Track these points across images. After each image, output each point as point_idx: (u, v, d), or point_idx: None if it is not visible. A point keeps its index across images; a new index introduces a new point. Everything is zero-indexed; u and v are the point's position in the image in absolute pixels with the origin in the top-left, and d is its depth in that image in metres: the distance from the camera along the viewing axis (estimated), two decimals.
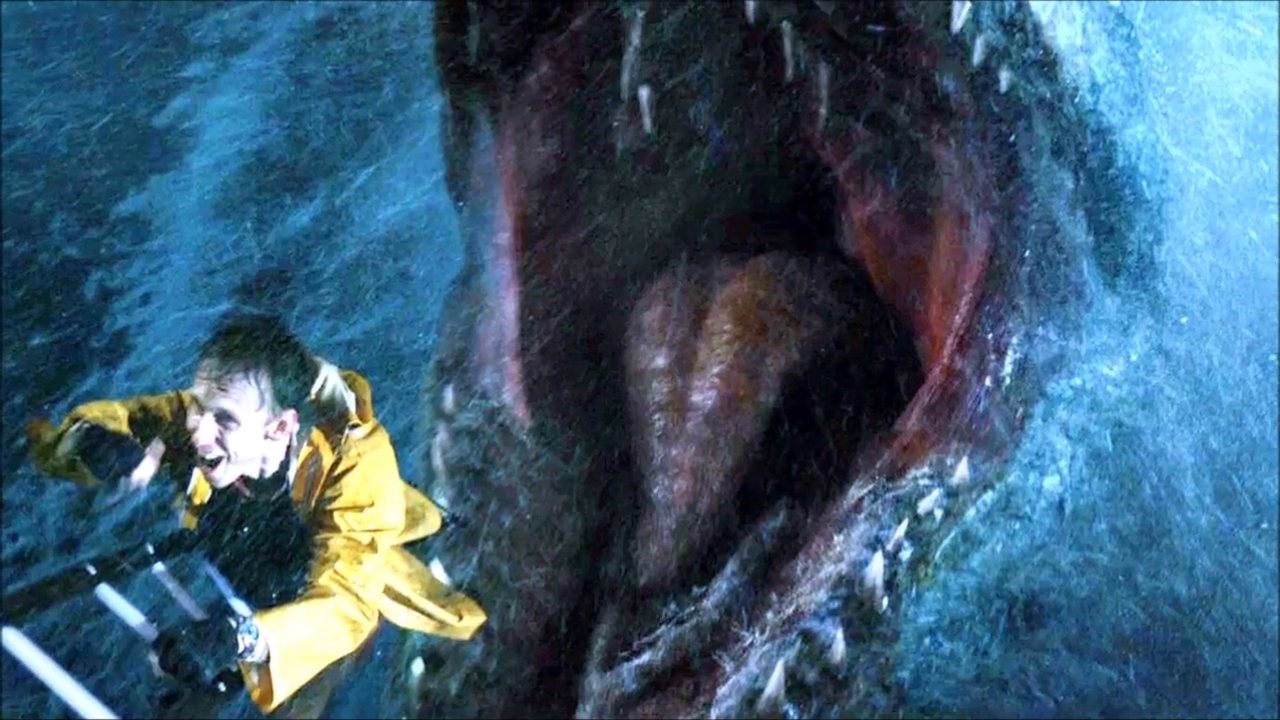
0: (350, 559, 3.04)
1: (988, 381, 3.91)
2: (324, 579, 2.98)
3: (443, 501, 4.00)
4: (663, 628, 3.88)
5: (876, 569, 3.65)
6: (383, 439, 3.31)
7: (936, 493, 3.82)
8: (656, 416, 4.41)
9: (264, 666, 2.74)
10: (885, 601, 3.66)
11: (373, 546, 3.12)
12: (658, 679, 3.74)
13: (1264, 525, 4.32)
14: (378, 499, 3.18)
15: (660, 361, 4.50)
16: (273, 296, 7.29)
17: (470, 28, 4.08)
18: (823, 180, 4.76)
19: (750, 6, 3.89)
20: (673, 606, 3.99)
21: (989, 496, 3.86)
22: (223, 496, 3.21)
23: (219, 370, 2.94)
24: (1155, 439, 4.20)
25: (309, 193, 7.93)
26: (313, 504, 3.20)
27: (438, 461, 4.22)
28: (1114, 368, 4.11)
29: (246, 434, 2.99)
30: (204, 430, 2.95)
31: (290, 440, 3.13)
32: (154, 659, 2.57)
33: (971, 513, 3.83)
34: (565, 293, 4.66)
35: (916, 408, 4.02)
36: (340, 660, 3.13)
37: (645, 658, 3.78)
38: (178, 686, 2.71)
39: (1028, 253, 3.92)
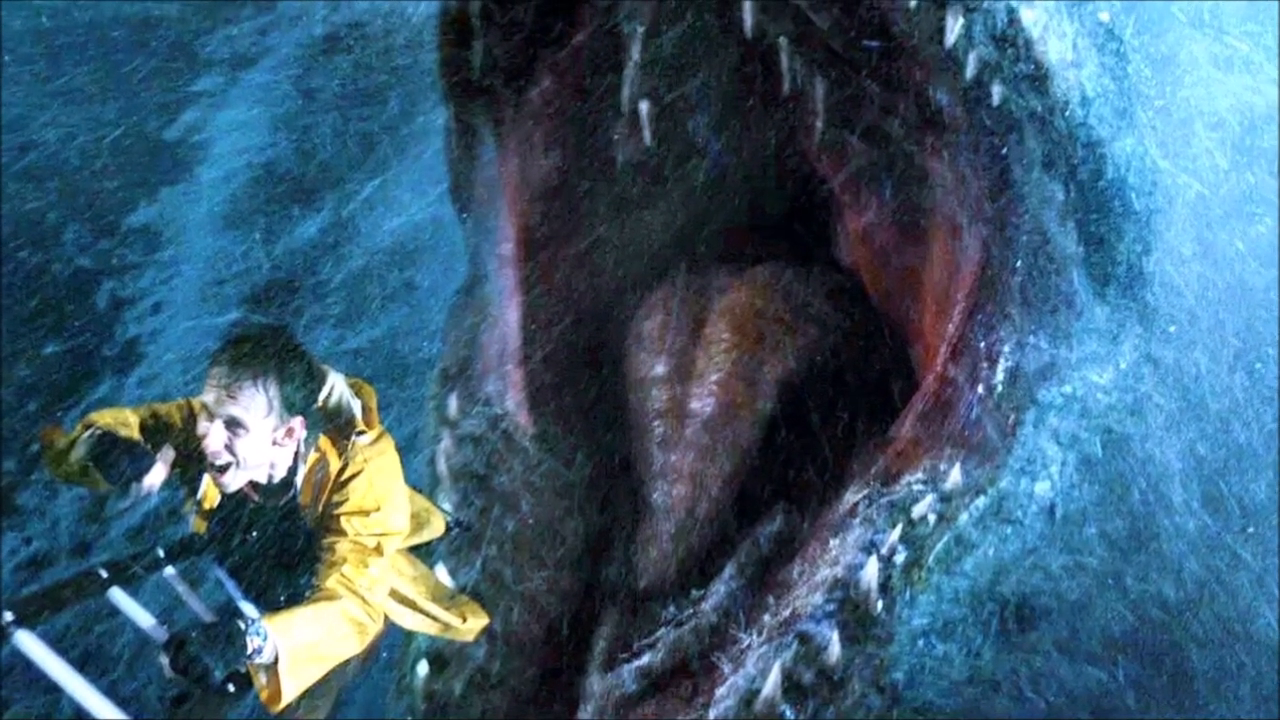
0: (357, 562, 3.08)
1: (980, 389, 3.94)
2: (331, 582, 3.02)
3: (447, 506, 4.03)
4: (662, 630, 3.91)
5: (871, 572, 3.68)
6: (388, 445, 3.35)
7: (930, 498, 3.85)
8: (656, 423, 4.44)
9: (272, 668, 2.78)
10: (880, 604, 3.70)
11: (379, 550, 3.15)
12: (657, 680, 3.77)
13: (1250, 530, 4.32)
14: (383, 504, 3.22)
15: (660, 369, 4.53)
16: (281, 306, 7.28)
17: (474, 43, 4.09)
18: (819, 192, 4.76)
19: (748, 22, 3.91)
20: (672, 609, 4.02)
21: (981, 501, 3.89)
22: (232, 501, 3.25)
23: (228, 378, 2.99)
24: (1144, 445, 4.21)
25: (316, 204, 7.92)
26: (320, 509, 3.24)
27: (442, 467, 4.25)
28: (1104, 375, 4.13)
29: (255, 440, 3.04)
30: (214, 437, 3.01)
31: (298, 446, 3.17)
32: (165, 660, 2.60)
33: (964, 517, 3.87)
34: (567, 302, 4.67)
35: (910, 414, 4.05)
36: (347, 661, 3.17)
37: (645, 659, 3.81)
38: (188, 687, 2.79)
39: (1019, 263, 3.94)
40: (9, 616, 2.73)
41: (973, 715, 3.91)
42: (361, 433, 3.30)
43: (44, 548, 6.15)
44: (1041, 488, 4.01)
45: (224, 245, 7.91)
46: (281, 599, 3.27)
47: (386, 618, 3.35)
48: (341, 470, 3.25)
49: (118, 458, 2.92)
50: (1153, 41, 4.43)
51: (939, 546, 3.83)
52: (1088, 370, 4.10)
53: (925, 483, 3.90)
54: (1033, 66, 3.68)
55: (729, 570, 4.05)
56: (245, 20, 9.24)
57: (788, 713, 3.52)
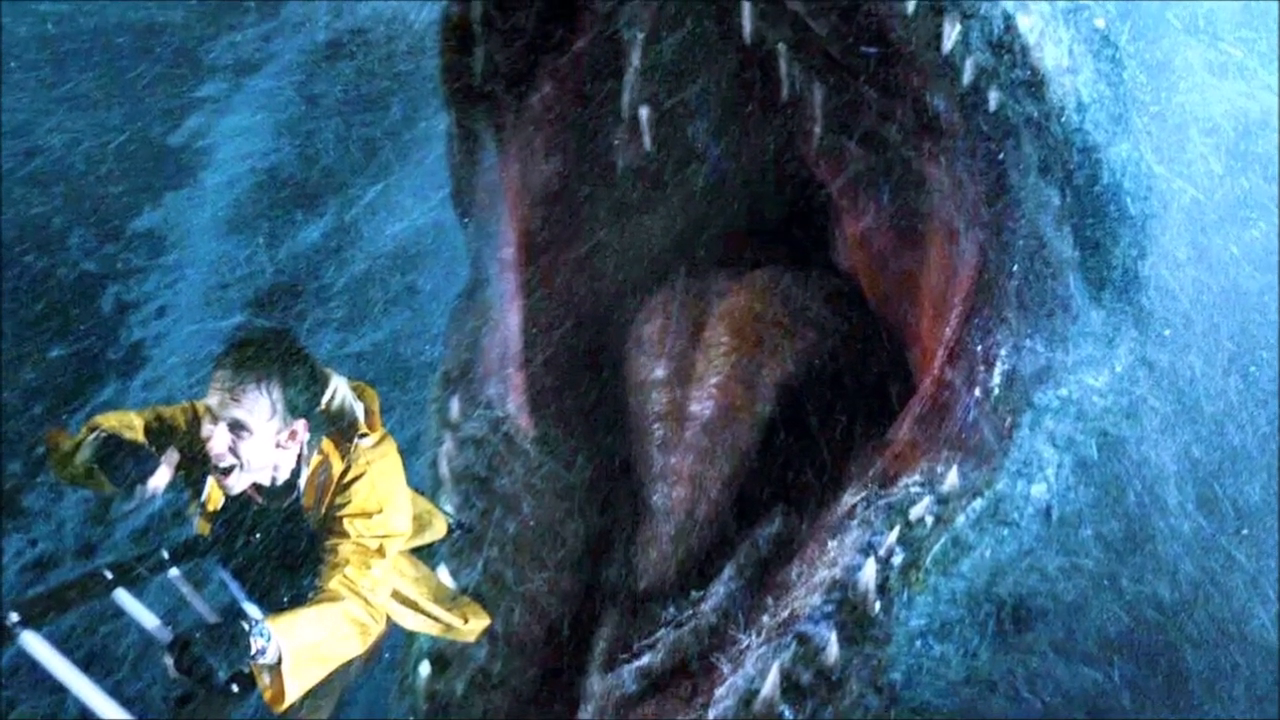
0: (359, 564, 3.09)
1: (977, 392, 3.94)
2: (334, 583, 3.03)
3: (449, 508, 4.04)
4: (662, 631, 3.92)
5: (869, 574, 3.69)
6: (391, 448, 3.37)
7: (927, 500, 3.85)
8: (656, 426, 4.44)
9: (276, 668, 2.80)
10: (878, 605, 3.70)
11: (381, 552, 3.17)
12: (657, 680, 3.78)
13: (1244, 531, 4.33)
14: (386, 506, 3.24)
15: (659, 373, 4.54)
16: (284, 310, 7.30)
17: (475, 49, 4.10)
18: (817, 197, 4.79)
19: (747, 28, 3.94)
20: (672, 610, 4.03)
21: (978, 503, 3.89)
22: (235, 503, 3.27)
23: (232, 381, 3.01)
24: (1139, 448, 4.22)
25: (319, 209, 7.94)
26: (323, 511, 3.26)
27: (444, 469, 4.25)
28: (1099, 379, 4.13)
29: (258, 443, 3.06)
30: (217, 439, 3.02)
31: (301, 449, 3.19)
32: (169, 661, 2.63)
33: (961, 519, 3.87)
34: (567, 306, 4.67)
35: (908, 417, 4.06)
36: (349, 662, 3.19)
37: (645, 660, 3.82)
38: (192, 688, 2.78)
39: (1016, 267, 3.95)
40: (15, 617, 2.74)
41: (970, 715, 3.91)
42: (364, 435, 3.31)
43: (49, 549, 6.17)
44: (1038, 490, 4.01)
45: (228, 249, 7.93)
46: (285, 600, 3.28)
47: (389, 619, 3.37)
48: (344, 473, 3.26)
49: (122, 460, 2.94)
50: (1148, 47, 4.45)
51: (936, 548, 3.83)
52: (1084, 373, 4.10)
53: (923, 485, 3.90)
54: (1029, 72, 3.70)
55: (728, 572, 4.06)
56: (249, 27, 9.26)
57: (786, 713, 3.52)
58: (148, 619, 3.15)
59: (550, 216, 4.55)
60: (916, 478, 3.93)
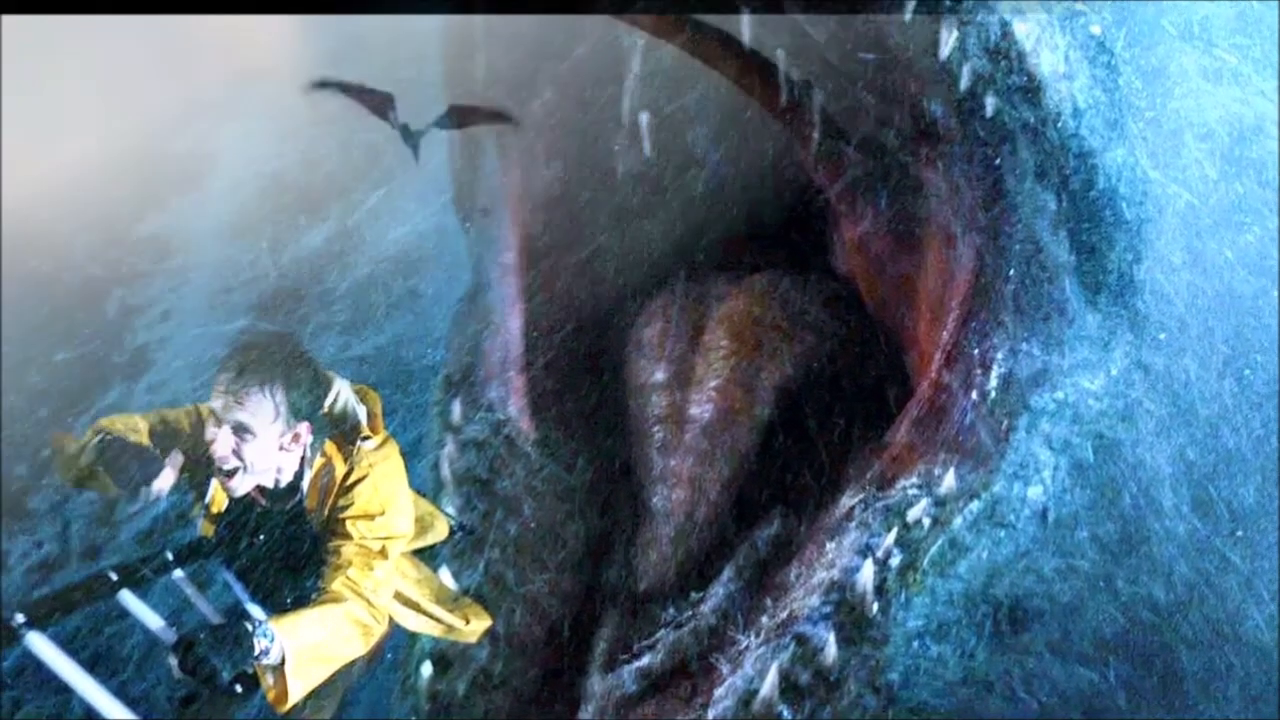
0: (362, 565, 3.11)
1: (974, 395, 3.95)
2: (336, 585, 3.04)
3: (451, 510, 4.06)
4: (662, 631, 3.94)
5: (867, 575, 3.71)
6: (393, 450, 3.38)
7: (925, 502, 3.87)
8: (656, 429, 4.47)
9: (279, 668, 2.81)
10: (875, 606, 3.71)
11: (383, 553, 3.18)
12: (657, 681, 3.81)
13: (1239, 533, 4.32)
14: (388, 508, 3.25)
15: (659, 376, 4.56)
16: (287, 313, 7.32)
17: (477, 56, 4.14)
18: (815, 202, 4.79)
19: (746, 35, 3.95)
20: (671, 611, 4.06)
21: (975, 505, 3.91)
22: (239, 505, 3.29)
23: (236, 384, 3.03)
24: (1134, 450, 4.22)
25: (322, 214, 7.97)
26: (326, 513, 3.27)
27: (446, 472, 4.27)
28: (1095, 382, 4.13)
29: (262, 445, 3.08)
30: (221, 442, 3.05)
31: (304, 451, 3.21)
32: (173, 661, 2.64)
33: (958, 521, 3.88)
34: (568, 310, 4.70)
35: (905, 420, 4.07)
36: (352, 662, 3.20)
37: (645, 660, 3.85)
38: (196, 688, 2.76)
39: (1012, 271, 3.95)
40: (21, 618, 2.75)
41: (967, 715, 3.92)
42: (366, 438, 3.32)
43: (55, 551, 6.17)
44: (1034, 492, 4.01)
45: (232, 254, 7.96)
46: (288, 601, 3.29)
47: (391, 619, 3.39)
48: (347, 475, 3.27)
49: (127, 463, 2.95)
50: (1143, 54, 4.44)
51: (933, 550, 3.85)
52: (1079, 376, 4.10)
53: (920, 487, 3.91)
54: (1025, 78, 3.69)
55: (727, 573, 4.08)
56: None
57: (785, 713, 3.54)
58: (152, 620, 3.16)
59: (551, 221, 4.58)
60: (914, 480, 3.94)
